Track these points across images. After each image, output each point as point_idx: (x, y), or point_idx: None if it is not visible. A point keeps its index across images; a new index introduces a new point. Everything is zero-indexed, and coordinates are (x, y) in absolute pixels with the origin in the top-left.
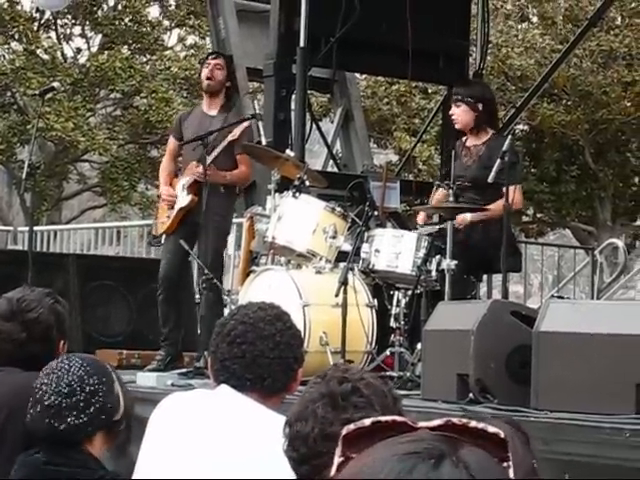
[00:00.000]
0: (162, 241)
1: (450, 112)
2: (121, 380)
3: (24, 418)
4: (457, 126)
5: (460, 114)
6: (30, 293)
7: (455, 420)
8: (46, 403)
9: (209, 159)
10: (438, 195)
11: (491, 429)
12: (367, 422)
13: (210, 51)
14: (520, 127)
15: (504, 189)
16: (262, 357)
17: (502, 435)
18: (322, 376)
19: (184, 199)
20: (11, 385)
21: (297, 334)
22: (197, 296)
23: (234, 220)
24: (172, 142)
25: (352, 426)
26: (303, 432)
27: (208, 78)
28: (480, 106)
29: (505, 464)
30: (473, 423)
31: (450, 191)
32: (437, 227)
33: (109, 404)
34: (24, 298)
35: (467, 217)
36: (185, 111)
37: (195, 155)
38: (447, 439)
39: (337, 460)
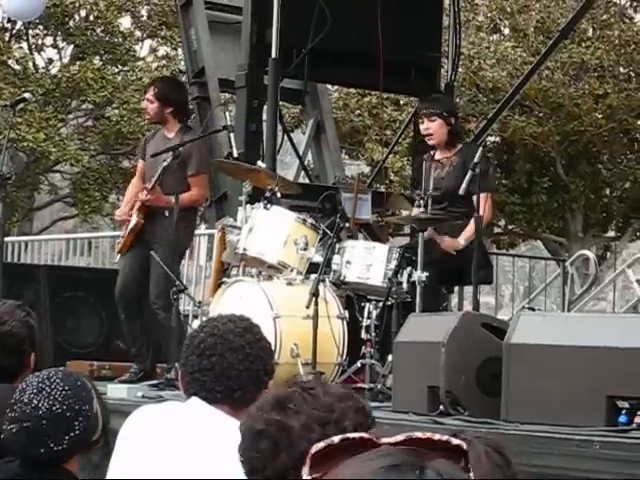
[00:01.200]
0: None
1: (424, 127)
2: (99, 394)
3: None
4: (432, 142)
5: (436, 129)
6: (1, 306)
7: (419, 434)
8: (24, 425)
9: (152, 182)
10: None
11: (455, 441)
12: (336, 439)
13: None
14: (492, 139)
15: (474, 198)
16: (231, 369)
17: (465, 447)
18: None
19: (132, 221)
20: None
21: (267, 346)
22: None
23: (205, 231)
24: (140, 163)
25: (322, 444)
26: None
27: (146, 114)
28: (453, 120)
29: (469, 474)
30: (437, 436)
31: (421, 202)
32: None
33: (89, 426)
34: None
35: (461, 242)
36: (150, 132)
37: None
38: (414, 452)
39: (306, 477)
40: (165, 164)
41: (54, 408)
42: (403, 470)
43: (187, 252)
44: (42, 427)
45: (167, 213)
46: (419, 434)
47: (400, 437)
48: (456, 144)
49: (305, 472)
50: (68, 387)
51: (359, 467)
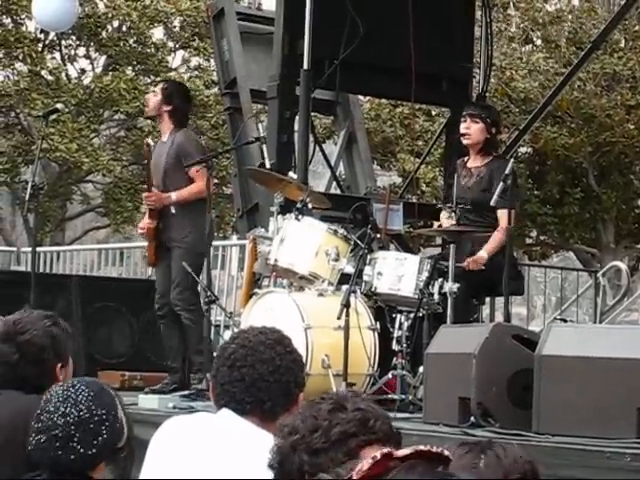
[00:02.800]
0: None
1: (464, 126)
2: (123, 404)
3: (24, 440)
4: (466, 141)
5: (476, 131)
6: (28, 315)
7: (422, 447)
8: (53, 433)
9: (155, 184)
10: (443, 219)
11: (446, 452)
12: (378, 455)
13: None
14: (523, 149)
15: (498, 212)
16: (261, 380)
17: (446, 453)
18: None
19: (147, 228)
20: (10, 408)
21: (298, 358)
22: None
23: (236, 242)
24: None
25: (369, 461)
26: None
27: (145, 106)
28: (494, 130)
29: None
30: (435, 449)
31: (452, 214)
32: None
33: (115, 433)
34: (20, 320)
35: (484, 256)
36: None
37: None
38: (421, 466)
39: None
40: (163, 167)
41: (81, 413)
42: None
43: (219, 262)
44: (71, 433)
45: (174, 210)
46: (422, 447)
47: (408, 450)
48: (488, 155)
49: None
50: (93, 393)
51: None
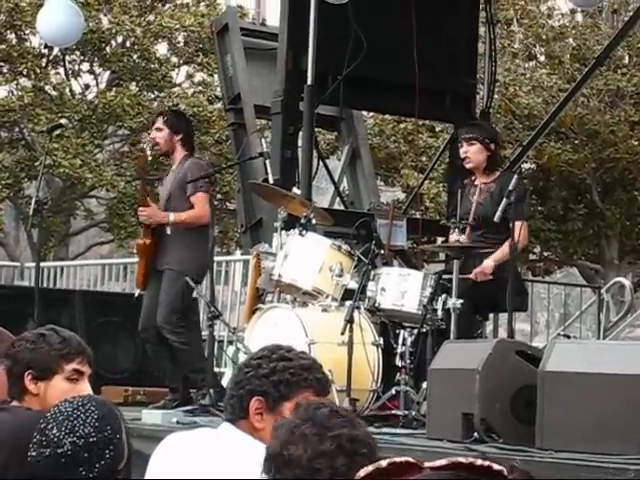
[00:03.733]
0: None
1: (462, 151)
2: (126, 425)
3: (27, 455)
4: (469, 165)
5: (474, 153)
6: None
7: (462, 459)
8: (58, 451)
9: (161, 205)
10: (452, 236)
11: (495, 467)
12: (384, 463)
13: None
14: (527, 165)
15: (516, 223)
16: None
17: (505, 472)
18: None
19: (140, 243)
20: (12, 424)
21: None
22: (204, 333)
23: (240, 257)
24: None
25: (371, 467)
26: (295, 455)
27: (154, 145)
28: (493, 146)
29: None
30: (479, 462)
31: (457, 230)
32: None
33: (117, 456)
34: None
35: (490, 264)
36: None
37: None
38: (456, 477)
39: None
40: (167, 192)
41: (89, 436)
42: None
43: (222, 278)
44: (76, 454)
45: (168, 231)
46: (462, 459)
47: (443, 462)
48: (495, 171)
49: None
50: (102, 415)
51: None
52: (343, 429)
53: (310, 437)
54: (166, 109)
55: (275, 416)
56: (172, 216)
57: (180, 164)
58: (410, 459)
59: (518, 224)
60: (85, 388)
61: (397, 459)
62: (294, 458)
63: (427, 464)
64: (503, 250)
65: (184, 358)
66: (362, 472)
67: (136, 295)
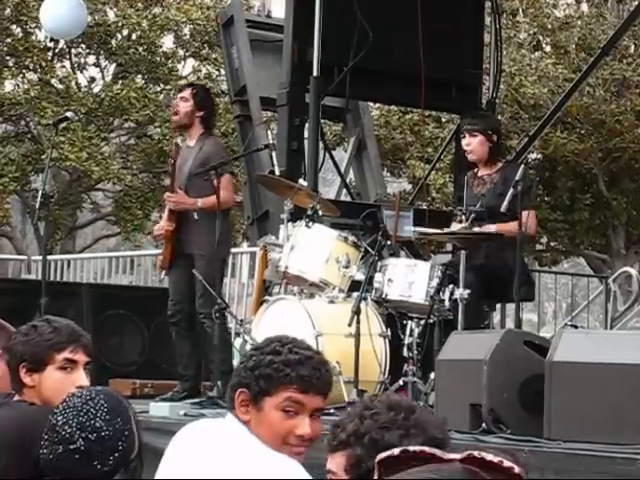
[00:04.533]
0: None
1: (465, 143)
2: (135, 415)
3: (32, 452)
4: (472, 158)
5: (476, 145)
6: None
7: (475, 453)
8: (71, 447)
9: (177, 186)
10: (454, 226)
11: (506, 463)
12: (396, 451)
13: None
14: (533, 156)
15: (524, 213)
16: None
17: (516, 470)
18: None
19: (165, 229)
20: (17, 421)
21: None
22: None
23: (247, 249)
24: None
25: (383, 454)
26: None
27: (174, 114)
28: (495, 137)
29: None
30: (490, 457)
31: (463, 217)
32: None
33: (130, 447)
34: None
35: (491, 228)
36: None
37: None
38: (467, 470)
39: None
40: (187, 171)
41: (101, 430)
42: None
43: (229, 270)
44: (89, 449)
45: (196, 216)
46: (475, 453)
47: (459, 455)
48: (497, 162)
49: (375, 476)
50: (112, 407)
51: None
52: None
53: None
54: (195, 83)
55: (259, 410)
56: (200, 202)
57: (198, 142)
58: (426, 449)
59: (525, 213)
60: (79, 377)
61: (411, 448)
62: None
63: (451, 455)
64: (510, 225)
65: (214, 345)
66: (377, 458)
67: (161, 276)
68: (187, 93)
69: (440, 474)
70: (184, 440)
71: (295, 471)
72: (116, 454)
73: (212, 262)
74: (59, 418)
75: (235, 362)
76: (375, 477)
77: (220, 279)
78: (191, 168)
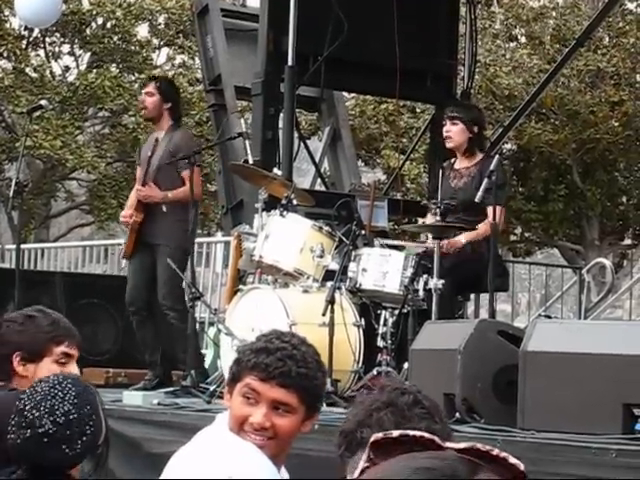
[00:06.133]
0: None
1: (445, 129)
2: (102, 402)
3: (2, 437)
4: (449, 145)
5: (457, 133)
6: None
7: (480, 446)
8: (39, 431)
9: (149, 179)
10: (428, 217)
11: (512, 460)
12: (395, 433)
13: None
14: (508, 146)
15: (488, 208)
16: None
17: (522, 467)
18: (378, 386)
19: (131, 220)
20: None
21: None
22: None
23: (221, 239)
24: (138, 169)
25: (380, 434)
26: (367, 438)
27: (142, 108)
28: (476, 128)
29: None
30: (496, 451)
31: (437, 210)
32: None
33: (97, 431)
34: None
35: (461, 240)
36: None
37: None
38: (467, 462)
39: (362, 464)
40: (157, 162)
41: (69, 413)
42: (433, 474)
43: (203, 260)
44: (57, 432)
45: (165, 208)
46: (479, 446)
47: (464, 445)
48: (476, 154)
49: (363, 458)
50: (79, 392)
51: (397, 462)
52: (421, 422)
53: (386, 424)
54: (157, 76)
55: (231, 395)
56: (171, 195)
57: (167, 134)
58: (426, 435)
59: (498, 209)
60: (73, 370)
61: (411, 432)
62: (365, 441)
63: (449, 444)
64: (477, 231)
65: (178, 335)
66: (372, 437)
67: (122, 266)
68: (152, 87)
69: (438, 463)
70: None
71: (247, 457)
72: (84, 438)
73: (176, 253)
74: (27, 402)
75: (208, 351)
76: (363, 457)
77: (183, 271)
78: (160, 160)
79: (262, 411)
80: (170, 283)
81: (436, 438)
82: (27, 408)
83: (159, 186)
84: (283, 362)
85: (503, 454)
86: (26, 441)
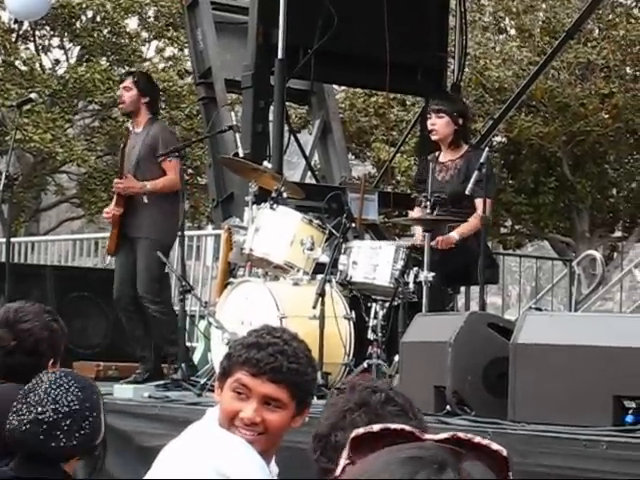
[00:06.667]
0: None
1: (430, 122)
2: (103, 401)
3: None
4: (435, 137)
5: (442, 125)
6: (30, 306)
7: (461, 434)
8: (40, 417)
9: (127, 173)
10: (416, 211)
11: (494, 446)
12: (376, 427)
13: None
14: (498, 139)
15: (476, 201)
16: None
17: (504, 453)
18: (349, 386)
19: (112, 213)
20: None
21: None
22: (176, 308)
23: (211, 232)
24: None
25: (361, 430)
26: (342, 442)
27: (120, 103)
28: (461, 120)
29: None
30: (477, 439)
31: (428, 203)
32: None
33: (96, 429)
34: (22, 309)
35: (455, 236)
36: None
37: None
38: (451, 450)
39: (343, 462)
40: (136, 156)
41: (72, 404)
42: (422, 463)
43: (194, 253)
44: (57, 420)
45: (145, 199)
46: (461, 434)
47: (445, 435)
48: (461, 146)
49: (344, 455)
50: (82, 386)
51: (382, 455)
52: (395, 419)
53: (360, 425)
54: (134, 71)
55: (222, 390)
56: (149, 185)
57: (145, 128)
58: (406, 427)
59: (488, 201)
60: None
61: (392, 425)
62: (340, 445)
63: (428, 435)
64: (469, 224)
65: (161, 329)
66: (353, 433)
67: (107, 262)
68: (129, 82)
69: (424, 452)
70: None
71: (237, 452)
72: (82, 432)
73: (156, 247)
74: (30, 388)
75: (199, 345)
76: (344, 454)
77: (162, 265)
78: (139, 154)
79: (253, 406)
80: (149, 276)
81: (416, 430)
82: (30, 395)
83: (139, 178)
84: (274, 357)
85: (485, 441)
86: (27, 425)
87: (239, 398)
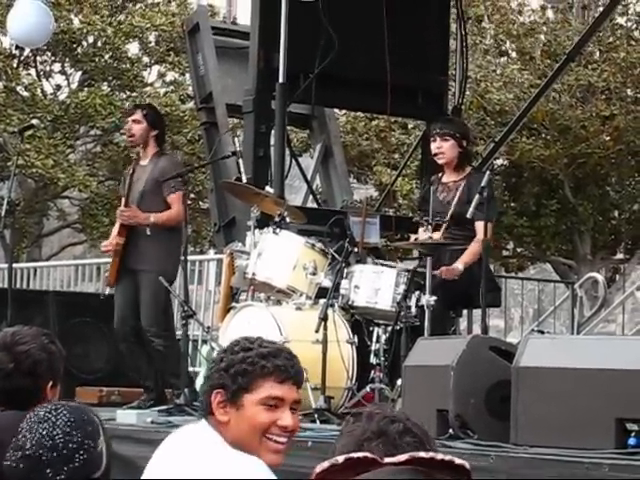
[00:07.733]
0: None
1: (435, 146)
2: (107, 434)
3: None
4: (441, 161)
5: (448, 149)
6: (27, 329)
7: (422, 454)
8: (27, 453)
9: (132, 204)
10: (420, 233)
11: (457, 461)
12: (340, 459)
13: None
14: (499, 162)
15: (477, 224)
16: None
17: (467, 466)
18: (366, 414)
19: (114, 244)
20: None
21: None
22: (178, 332)
23: (214, 256)
24: (122, 200)
25: (326, 463)
26: None
27: (129, 137)
28: (465, 143)
29: None
30: (440, 456)
31: (429, 227)
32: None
33: (90, 463)
34: (19, 332)
35: (459, 267)
36: (126, 170)
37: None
38: (415, 471)
39: None
40: (141, 188)
41: (56, 438)
42: None
43: (196, 277)
44: (41, 455)
45: (149, 231)
46: (422, 454)
47: (403, 457)
48: (465, 168)
49: None
50: (74, 419)
51: None
52: (412, 450)
53: (377, 455)
54: (141, 104)
55: (238, 408)
56: (153, 217)
57: (152, 161)
58: (368, 454)
59: (490, 224)
60: None
61: (355, 454)
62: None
63: (387, 459)
64: (472, 251)
65: (167, 362)
66: (318, 468)
67: (106, 293)
68: (139, 115)
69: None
70: (161, 449)
71: (259, 471)
72: (71, 465)
73: (158, 280)
74: (24, 426)
75: (201, 370)
76: None
77: (166, 298)
78: (145, 186)
79: (289, 413)
80: (154, 309)
81: (378, 457)
82: (22, 431)
83: (143, 211)
84: (292, 362)
85: (448, 457)
86: (16, 463)
87: (269, 409)
